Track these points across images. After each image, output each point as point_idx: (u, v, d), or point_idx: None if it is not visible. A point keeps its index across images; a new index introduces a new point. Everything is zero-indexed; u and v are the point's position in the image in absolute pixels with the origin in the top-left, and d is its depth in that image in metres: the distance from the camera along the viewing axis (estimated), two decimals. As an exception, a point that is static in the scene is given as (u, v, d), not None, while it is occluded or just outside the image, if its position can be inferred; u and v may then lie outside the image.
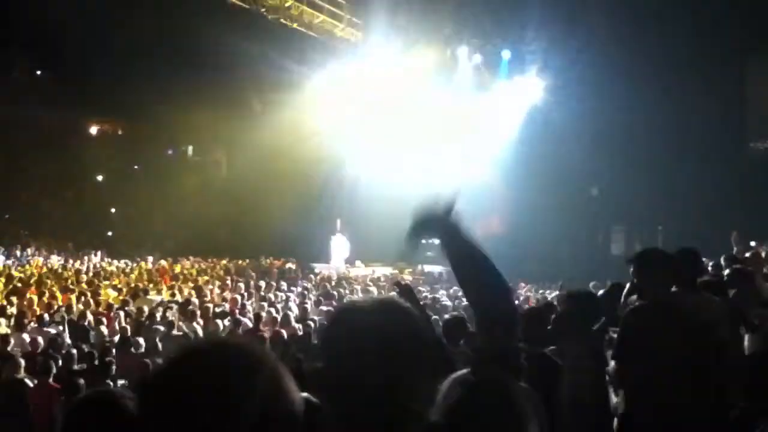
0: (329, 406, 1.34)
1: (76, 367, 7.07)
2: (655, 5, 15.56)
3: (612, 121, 16.85)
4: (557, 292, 11.31)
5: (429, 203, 1.75)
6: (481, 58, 19.84)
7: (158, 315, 10.22)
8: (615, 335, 3.92)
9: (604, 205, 18.72)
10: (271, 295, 12.50)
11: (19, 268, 17.42)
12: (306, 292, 13.28)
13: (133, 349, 8.01)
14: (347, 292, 13.49)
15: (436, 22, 19.51)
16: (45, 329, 9.03)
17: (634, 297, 4.08)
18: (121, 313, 10.12)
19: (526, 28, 18.37)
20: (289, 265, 18.74)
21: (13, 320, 9.41)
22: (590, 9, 16.02)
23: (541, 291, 14.23)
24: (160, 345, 8.23)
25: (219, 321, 10.01)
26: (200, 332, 8.86)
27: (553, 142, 18.42)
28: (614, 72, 16.37)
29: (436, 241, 1.91)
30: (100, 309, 11.26)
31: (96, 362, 7.25)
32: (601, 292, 5.52)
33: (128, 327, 9.43)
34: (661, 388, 3.21)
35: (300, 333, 9.20)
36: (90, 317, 9.99)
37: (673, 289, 3.76)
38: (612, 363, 3.76)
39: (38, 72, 27.70)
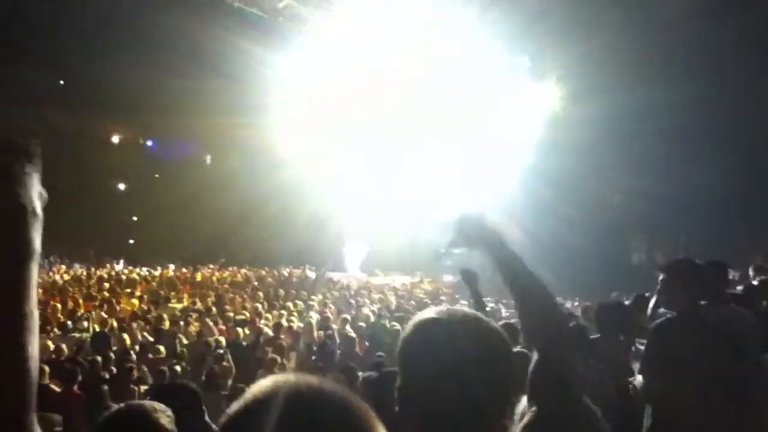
0: (408, 417, 1.29)
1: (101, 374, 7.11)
2: (675, 10, 15.40)
3: (632, 129, 16.70)
4: (575, 303, 11.20)
5: (470, 215, 1.73)
6: (501, 63, 19.83)
7: (180, 323, 10.28)
8: (641, 347, 3.87)
9: (625, 213, 18.54)
10: (290, 304, 12.53)
11: (42, 275, 17.62)
12: (326, 301, 13.29)
13: (151, 356, 8.06)
14: (367, 301, 13.48)
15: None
16: (69, 335, 9.12)
17: (662, 310, 4.03)
18: (141, 322, 10.19)
19: (546, 34, 18.30)
20: (308, 273, 18.78)
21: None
22: (612, 16, 15.92)
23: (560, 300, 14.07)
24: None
25: (239, 329, 10.04)
26: (222, 341, 8.89)
27: (573, 150, 18.30)
28: (635, 80, 16.24)
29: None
30: (121, 317, 11.36)
31: (117, 369, 7.32)
32: (625, 303, 5.47)
33: (148, 334, 9.53)
34: (688, 404, 3.15)
35: (319, 341, 9.23)
36: (114, 324, 10.07)
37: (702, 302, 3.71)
38: (638, 377, 3.72)
39: (60, 81, 28.12)
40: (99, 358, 7.27)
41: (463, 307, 1.57)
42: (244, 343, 9.25)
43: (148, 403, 2.15)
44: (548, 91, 19.45)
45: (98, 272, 18.90)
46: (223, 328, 10.27)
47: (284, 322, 10.10)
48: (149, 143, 30.58)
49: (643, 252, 19.29)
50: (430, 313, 1.36)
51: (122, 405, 2.06)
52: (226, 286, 16.17)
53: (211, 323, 10.36)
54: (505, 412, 1.30)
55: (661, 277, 3.73)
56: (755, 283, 5.08)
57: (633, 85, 16.38)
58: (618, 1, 16.18)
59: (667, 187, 16.54)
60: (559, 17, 16.87)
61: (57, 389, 6.39)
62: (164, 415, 2.03)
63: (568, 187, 18.25)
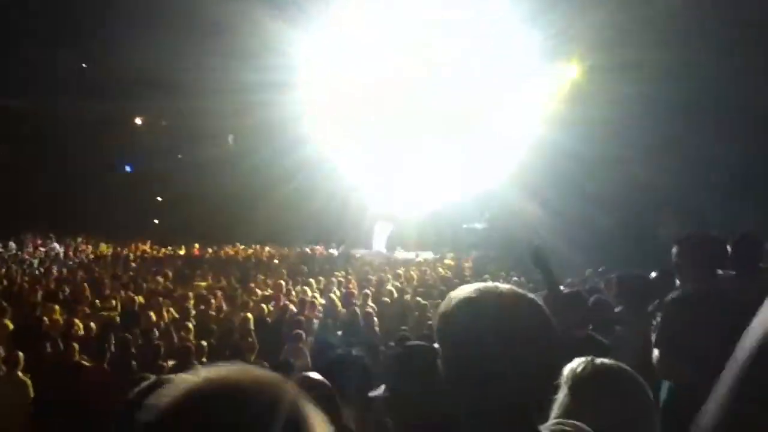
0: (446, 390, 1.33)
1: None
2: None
3: (659, 102, 16.38)
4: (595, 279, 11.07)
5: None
6: (524, 38, 19.55)
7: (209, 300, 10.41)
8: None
9: (651, 188, 18.28)
10: (313, 281, 12.61)
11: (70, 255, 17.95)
12: (349, 277, 13.36)
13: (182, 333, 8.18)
14: (389, 276, 13.52)
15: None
16: (98, 314, 9.29)
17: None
18: (168, 300, 10.33)
19: (565, 10, 17.98)
20: (331, 250, 18.86)
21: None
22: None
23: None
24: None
25: (264, 306, 10.15)
26: (249, 317, 8.97)
27: (597, 125, 18.04)
28: (663, 56, 15.88)
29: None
30: (147, 295, 11.54)
31: (145, 346, 7.46)
32: (653, 275, 5.39)
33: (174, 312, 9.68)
34: (702, 382, 3.09)
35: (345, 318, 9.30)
36: (140, 301, 10.23)
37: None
38: (655, 351, 3.67)
39: (83, 64, 28.37)
40: (128, 336, 7.40)
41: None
42: (269, 320, 9.36)
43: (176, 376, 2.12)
44: (572, 67, 19.13)
45: (124, 252, 19.19)
46: (249, 304, 10.39)
47: (308, 299, 10.17)
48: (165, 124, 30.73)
49: (671, 228, 19.00)
50: (470, 289, 1.36)
51: (153, 379, 2.02)
52: (251, 263, 16.32)
53: (235, 300, 10.49)
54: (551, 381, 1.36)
55: (674, 249, 3.67)
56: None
57: (661, 61, 16.04)
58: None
59: (696, 160, 16.25)
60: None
61: (88, 365, 6.55)
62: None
63: (594, 164, 18.03)
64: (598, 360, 1.84)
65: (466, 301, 1.33)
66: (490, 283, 1.39)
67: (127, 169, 29.76)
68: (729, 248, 3.83)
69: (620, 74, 17.01)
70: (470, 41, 20.37)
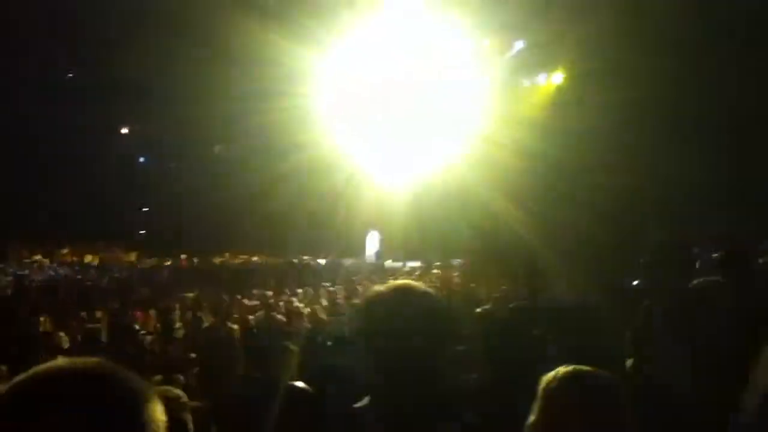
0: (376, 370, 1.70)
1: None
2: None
3: (638, 110, 16.53)
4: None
5: None
6: (497, 50, 19.69)
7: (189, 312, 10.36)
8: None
9: (632, 197, 18.42)
10: (300, 291, 12.57)
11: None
12: (335, 287, 13.33)
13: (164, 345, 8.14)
14: (378, 287, 13.47)
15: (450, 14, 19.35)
16: (83, 326, 9.23)
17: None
18: (153, 311, 10.28)
19: (541, 20, 18.12)
20: (319, 260, 18.81)
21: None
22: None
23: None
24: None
25: (251, 317, 10.10)
26: (234, 328, 8.94)
27: (582, 134, 18.17)
28: (647, 62, 16.03)
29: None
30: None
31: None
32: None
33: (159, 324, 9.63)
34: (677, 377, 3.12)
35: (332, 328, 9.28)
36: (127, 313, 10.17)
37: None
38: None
39: (70, 73, 28.23)
40: (113, 348, 7.35)
41: None
42: (255, 330, 9.31)
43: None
44: (557, 75, 19.28)
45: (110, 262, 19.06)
46: (235, 315, 10.35)
47: (295, 309, 10.14)
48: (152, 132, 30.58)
49: (658, 236, 19.09)
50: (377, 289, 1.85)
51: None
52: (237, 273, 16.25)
53: (221, 311, 10.45)
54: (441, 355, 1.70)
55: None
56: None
57: (644, 67, 16.18)
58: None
59: (681, 171, 16.39)
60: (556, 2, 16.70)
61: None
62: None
63: (580, 171, 18.15)
64: (574, 367, 1.86)
65: (372, 297, 1.80)
66: (398, 282, 1.86)
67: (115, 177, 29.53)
68: (716, 255, 3.90)
69: (606, 81, 17.17)
70: (450, 49, 20.44)
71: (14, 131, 25.29)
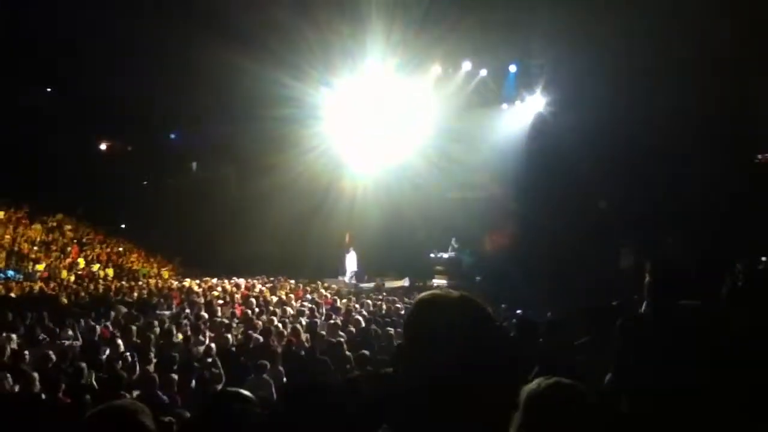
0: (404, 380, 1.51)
1: (86, 380, 7.08)
2: (660, 18, 15.52)
3: (618, 135, 16.82)
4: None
5: None
6: (486, 72, 19.94)
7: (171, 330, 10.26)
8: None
9: (613, 218, 18.67)
10: (279, 310, 12.52)
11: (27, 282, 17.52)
12: (315, 307, 13.29)
13: (142, 364, 8.04)
14: (356, 306, 13.48)
15: (437, 37, 19.63)
16: (57, 342, 9.09)
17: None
18: (133, 328, 10.16)
19: (532, 42, 18.45)
20: (299, 283, 18.66)
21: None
22: (597, 22, 16.02)
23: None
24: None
25: (228, 335, 10.03)
26: (213, 347, 8.89)
27: (560, 157, 18.44)
28: (620, 85, 16.36)
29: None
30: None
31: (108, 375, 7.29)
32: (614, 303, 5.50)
33: (139, 341, 9.51)
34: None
35: (308, 345, 9.27)
36: (98, 331, 10.04)
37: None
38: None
39: (47, 89, 28.02)
40: (83, 365, 7.25)
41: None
42: (233, 349, 9.25)
43: (130, 402, 2.18)
44: (535, 97, 19.57)
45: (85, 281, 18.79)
46: (212, 334, 10.27)
47: (273, 328, 10.09)
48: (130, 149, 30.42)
49: (631, 257, 19.38)
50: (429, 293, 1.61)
51: (106, 405, 2.09)
52: (216, 292, 16.11)
53: (200, 329, 10.36)
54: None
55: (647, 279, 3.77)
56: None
57: (620, 91, 16.49)
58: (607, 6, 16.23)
59: (655, 191, 16.68)
60: (545, 23, 16.98)
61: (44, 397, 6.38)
62: (146, 414, 2.07)
63: (556, 192, 18.39)
64: (555, 379, 1.90)
65: (422, 302, 1.57)
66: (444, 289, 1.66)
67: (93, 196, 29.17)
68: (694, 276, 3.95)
69: (583, 107, 17.48)
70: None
71: None
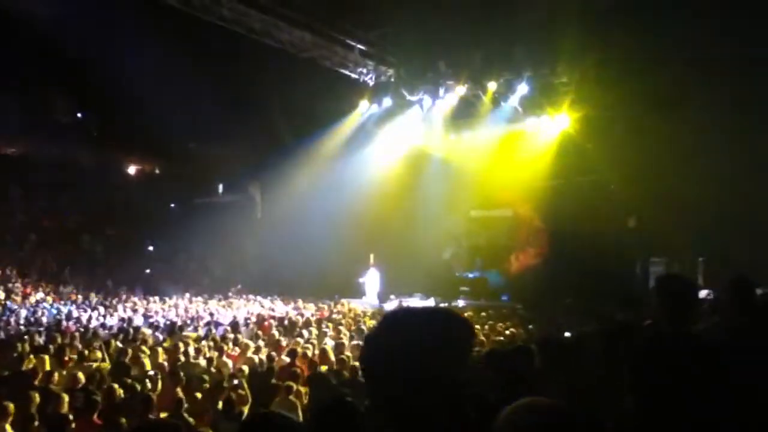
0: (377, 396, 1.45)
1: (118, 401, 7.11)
2: (685, 33, 15.33)
3: (647, 151, 16.59)
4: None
5: None
6: (513, 91, 19.87)
7: (192, 350, 10.28)
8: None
9: (642, 236, 18.39)
10: (305, 332, 12.48)
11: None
12: (341, 328, 13.23)
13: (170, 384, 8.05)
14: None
15: (465, 57, 19.69)
16: (86, 364, 9.14)
17: None
18: (159, 349, 10.19)
19: (558, 59, 18.37)
20: (320, 304, 18.63)
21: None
22: (623, 38, 15.92)
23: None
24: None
25: (255, 356, 10.02)
26: (244, 369, 8.89)
27: (588, 174, 18.28)
28: (647, 102, 16.20)
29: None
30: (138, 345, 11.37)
31: (136, 396, 7.31)
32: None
33: (165, 362, 9.53)
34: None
35: (335, 367, 9.19)
36: (131, 352, 10.09)
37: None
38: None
39: (78, 114, 28.69)
40: (115, 386, 7.28)
41: None
42: (259, 371, 9.22)
43: (172, 421, 2.19)
44: (561, 114, 19.35)
45: (114, 301, 18.99)
46: (237, 355, 10.27)
47: (299, 350, 10.06)
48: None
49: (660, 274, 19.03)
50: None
51: (145, 423, 2.10)
52: (242, 313, 16.15)
53: (226, 351, 10.37)
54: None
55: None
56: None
57: (647, 107, 16.31)
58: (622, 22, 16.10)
59: (685, 207, 16.37)
60: (570, 40, 16.89)
61: (75, 419, 6.40)
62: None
63: (584, 210, 18.18)
64: (532, 399, 1.81)
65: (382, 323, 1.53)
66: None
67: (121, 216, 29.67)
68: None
69: (610, 123, 17.33)
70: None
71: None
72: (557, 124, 19.48)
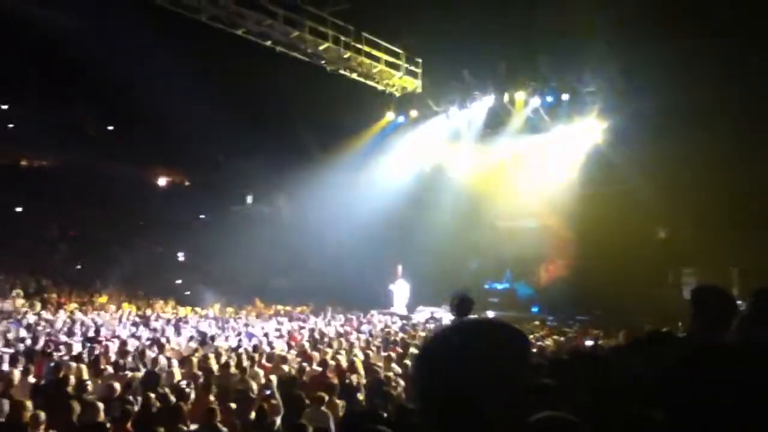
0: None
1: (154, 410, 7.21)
2: (722, 42, 15.15)
3: (677, 161, 16.39)
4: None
5: None
6: (540, 101, 19.79)
7: (229, 361, 10.37)
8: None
9: (673, 247, 18.15)
10: (335, 342, 12.54)
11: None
12: (371, 339, 13.26)
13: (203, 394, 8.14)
14: (408, 338, 13.39)
15: (490, 67, 19.71)
16: (121, 374, 9.29)
17: None
18: (194, 359, 10.30)
19: (585, 68, 18.29)
20: (350, 315, 18.68)
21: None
22: (650, 46, 15.79)
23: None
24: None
25: (285, 366, 10.09)
26: (273, 379, 8.95)
27: (617, 184, 18.11)
28: (677, 110, 16.00)
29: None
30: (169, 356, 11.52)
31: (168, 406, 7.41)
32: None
33: (198, 372, 9.64)
34: None
35: (365, 380, 9.22)
36: (163, 362, 10.22)
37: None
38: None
39: (109, 127, 29.26)
40: (152, 395, 7.39)
41: None
42: (290, 381, 9.27)
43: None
44: (589, 124, 19.20)
45: (147, 311, 19.24)
46: (269, 365, 10.34)
47: (330, 360, 10.11)
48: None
49: (693, 285, 18.74)
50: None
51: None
52: (272, 324, 16.26)
53: (258, 361, 10.45)
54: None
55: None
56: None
57: (676, 115, 16.12)
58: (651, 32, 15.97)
59: (716, 218, 16.13)
60: (597, 49, 16.83)
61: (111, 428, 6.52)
62: None
63: (613, 221, 18.00)
64: (549, 413, 1.85)
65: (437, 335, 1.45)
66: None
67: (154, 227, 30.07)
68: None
69: (639, 133, 17.16)
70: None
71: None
72: (585, 134, 19.34)
